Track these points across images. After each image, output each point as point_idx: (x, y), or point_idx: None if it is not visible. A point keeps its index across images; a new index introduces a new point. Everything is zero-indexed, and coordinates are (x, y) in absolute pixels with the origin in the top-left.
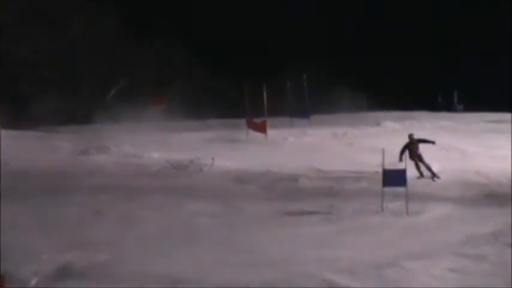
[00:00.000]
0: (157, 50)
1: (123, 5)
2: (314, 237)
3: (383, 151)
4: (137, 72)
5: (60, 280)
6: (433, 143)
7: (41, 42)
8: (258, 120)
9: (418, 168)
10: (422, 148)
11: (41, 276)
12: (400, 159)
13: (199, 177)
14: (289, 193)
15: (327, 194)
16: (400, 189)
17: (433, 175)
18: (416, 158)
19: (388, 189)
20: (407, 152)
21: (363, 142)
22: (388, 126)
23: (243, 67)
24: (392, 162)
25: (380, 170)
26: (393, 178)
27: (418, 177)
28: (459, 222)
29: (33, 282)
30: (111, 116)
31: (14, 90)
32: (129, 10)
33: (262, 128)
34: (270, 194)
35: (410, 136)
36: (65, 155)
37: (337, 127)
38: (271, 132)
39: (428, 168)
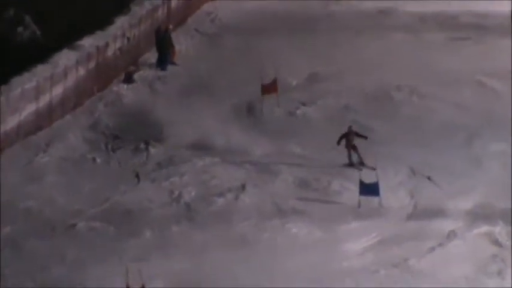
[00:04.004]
0: None
1: None
2: (470, 53)
3: None
4: None
5: (310, 82)
6: (365, 138)
7: None
8: None
9: (349, 156)
10: None
11: (299, 80)
12: (338, 144)
13: (396, 19)
14: (451, 26)
15: (474, 28)
16: None
17: (362, 164)
18: (351, 148)
19: None
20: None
21: None
22: None
23: None
24: None
25: None
26: None
27: (346, 164)
28: None
29: (294, 83)
30: None
31: None
32: None
33: None
34: (441, 28)
35: (350, 127)
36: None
37: None
38: None
39: (360, 159)
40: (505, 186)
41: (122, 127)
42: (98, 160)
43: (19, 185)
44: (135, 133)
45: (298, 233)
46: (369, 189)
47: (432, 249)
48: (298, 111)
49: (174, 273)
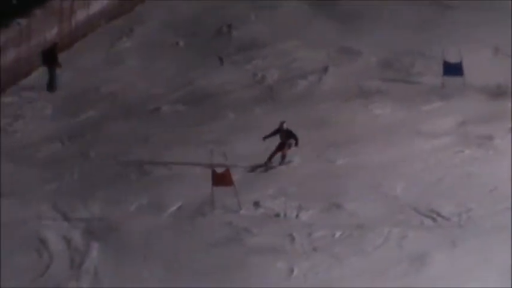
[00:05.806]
0: None
1: None
2: None
3: None
4: None
5: None
6: (296, 141)
7: None
8: None
9: (271, 156)
10: None
11: None
12: (264, 139)
13: None
14: None
15: None
16: None
17: (282, 162)
18: (279, 146)
19: None
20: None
21: None
22: None
23: None
24: None
25: None
26: None
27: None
28: None
29: None
30: None
31: None
32: None
33: None
34: None
35: (281, 124)
36: None
37: None
38: None
39: (283, 157)
40: None
41: (204, 10)
42: (181, 43)
43: (102, 69)
44: (218, 16)
45: (380, 113)
46: (453, 69)
47: None
48: None
49: (257, 155)
